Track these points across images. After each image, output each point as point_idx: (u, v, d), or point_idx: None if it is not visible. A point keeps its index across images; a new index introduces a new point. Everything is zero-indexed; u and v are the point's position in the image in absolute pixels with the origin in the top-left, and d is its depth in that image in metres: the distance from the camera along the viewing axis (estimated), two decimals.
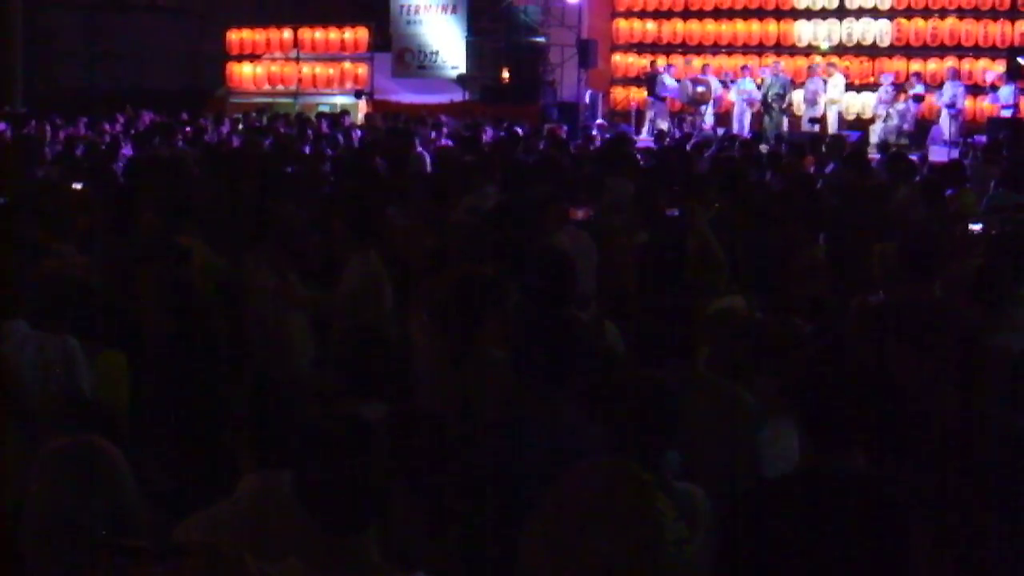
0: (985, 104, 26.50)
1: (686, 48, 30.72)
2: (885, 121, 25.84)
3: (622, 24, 31.50)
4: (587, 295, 7.67)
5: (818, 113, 26.60)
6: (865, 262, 8.67)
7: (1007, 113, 24.64)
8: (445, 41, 31.25)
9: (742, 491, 4.21)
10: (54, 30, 33.04)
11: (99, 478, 3.34)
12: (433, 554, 4.37)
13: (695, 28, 30.76)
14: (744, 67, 28.74)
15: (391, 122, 24.13)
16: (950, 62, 27.42)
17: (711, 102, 27.83)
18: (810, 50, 29.42)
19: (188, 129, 21.02)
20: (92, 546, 3.22)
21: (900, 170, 13.61)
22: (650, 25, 31.26)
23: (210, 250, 8.35)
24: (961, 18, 28.17)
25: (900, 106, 25.81)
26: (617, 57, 31.45)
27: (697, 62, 29.76)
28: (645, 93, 28.99)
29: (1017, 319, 6.75)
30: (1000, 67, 26.44)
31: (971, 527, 2.82)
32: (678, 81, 28.38)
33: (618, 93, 31.15)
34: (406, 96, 31.38)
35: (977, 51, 27.96)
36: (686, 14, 30.92)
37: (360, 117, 29.29)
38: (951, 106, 25.00)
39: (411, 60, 31.79)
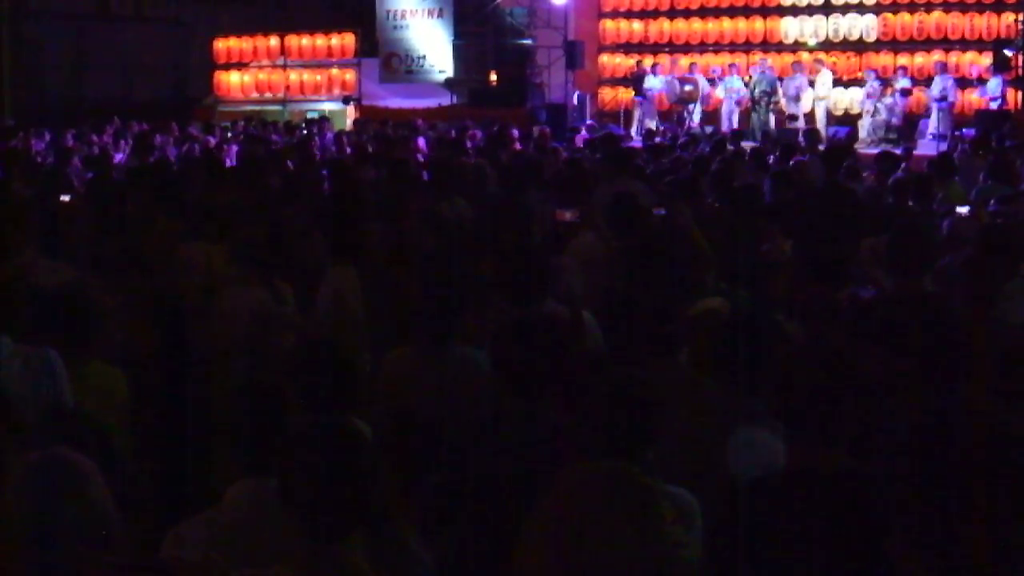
0: (973, 97, 26.52)
1: (673, 47, 30.73)
2: (873, 116, 25.87)
3: (608, 25, 31.50)
4: (574, 293, 7.66)
5: (802, 109, 26.61)
6: (841, 258, 8.69)
7: (995, 105, 24.68)
8: (432, 45, 31.24)
9: (727, 491, 4.19)
10: (41, 41, 32.96)
11: (69, 491, 3.33)
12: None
13: (682, 27, 30.76)
14: (731, 65, 28.78)
15: (380, 128, 24.08)
16: (937, 56, 27.43)
17: (699, 100, 27.86)
18: (797, 47, 29.43)
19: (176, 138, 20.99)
20: (68, 560, 3.22)
21: (886, 168, 13.63)
22: (636, 25, 31.26)
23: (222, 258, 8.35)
24: (947, 11, 28.20)
25: (887, 100, 25.85)
26: (604, 58, 31.44)
27: (684, 61, 29.80)
28: (632, 93, 29.01)
29: (1008, 313, 6.76)
30: (987, 60, 26.48)
31: (955, 526, 2.81)
32: (665, 80, 28.40)
33: (606, 94, 31.14)
34: (394, 101, 31.35)
35: (964, 44, 27.98)
36: (672, 13, 30.92)
37: (348, 123, 29.27)
38: (942, 99, 25.03)
39: (398, 65, 31.77)
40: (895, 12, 28.67)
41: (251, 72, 33.86)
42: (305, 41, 33.20)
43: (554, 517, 4.25)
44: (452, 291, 6.28)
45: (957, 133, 23.25)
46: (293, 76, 33.17)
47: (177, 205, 9.50)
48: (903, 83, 26.20)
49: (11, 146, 18.82)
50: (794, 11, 29.67)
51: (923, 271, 6.93)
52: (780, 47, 29.63)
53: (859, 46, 28.91)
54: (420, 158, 17.31)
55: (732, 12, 30.34)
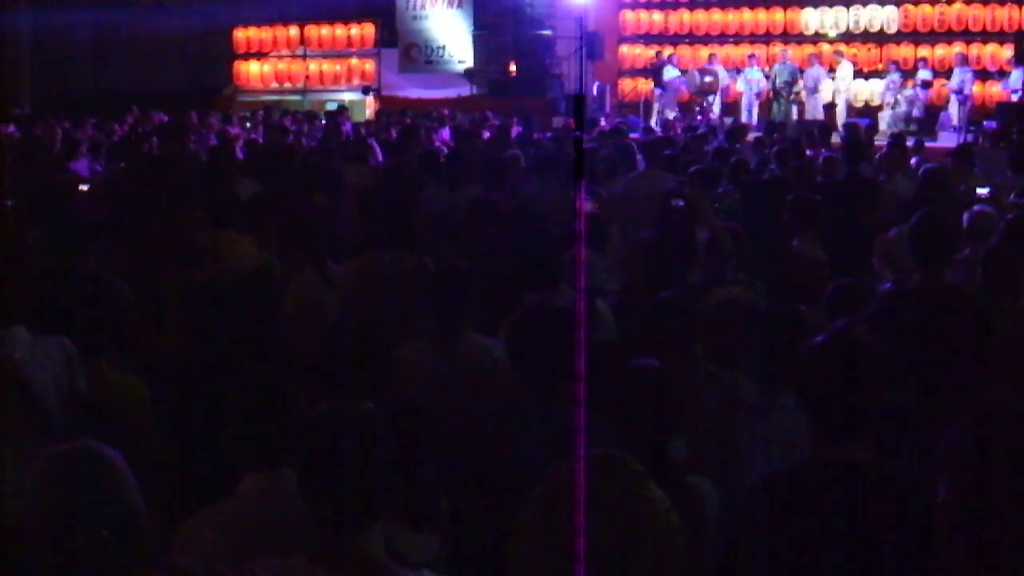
0: (995, 89, 26.39)
1: (693, 38, 30.70)
2: (893, 108, 25.76)
3: (629, 15, 31.48)
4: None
5: (820, 101, 26.54)
6: (861, 250, 8.67)
7: (1016, 98, 24.53)
8: (451, 35, 31.22)
9: (749, 483, 4.16)
10: (61, 30, 33.00)
11: (98, 483, 3.30)
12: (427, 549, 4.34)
13: (702, 18, 30.73)
14: (751, 56, 28.70)
15: (397, 117, 24.07)
16: (958, 48, 27.32)
17: (719, 91, 27.80)
18: (817, 38, 29.36)
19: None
20: (96, 553, 3.20)
21: (895, 158, 13.62)
22: (656, 16, 31.24)
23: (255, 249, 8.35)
24: (968, 3, 28.06)
25: (908, 92, 25.73)
26: (624, 48, 31.41)
27: (704, 52, 29.76)
28: (652, 84, 28.96)
29: None
30: (1008, 52, 26.35)
31: (986, 523, 2.77)
32: (684, 71, 28.35)
33: (626, 84, 31.09)
34: (413, 91, 31.34)
35: (985, 36, 27.85)
36: (692, 4, 30.91)
37: (368, 113, 29.26)
38: (959, 92, 24.94)
39: (418, 55, 31.77)
40: (916, 3, 28.55)
41: (271, 62, 33.91)
42: (325, 31, 33.22)
43: (545, 506, 4.23)
44: (463, 281, 6.25)
45: (977, 126, 23.14)
46: (313, 66, 33.21)
47: (204, 195, 9.49)
48: (924, 75, 26.09)
49: (33, 133, 18.79)
50: (815, 2, 29.58)
51: (946, 263, 6.87)
52: (800, 38, 29.55)
53: (880, 37, 28.81)
54: (445, 149, 17.26)
55: (752, 3, 30.28)
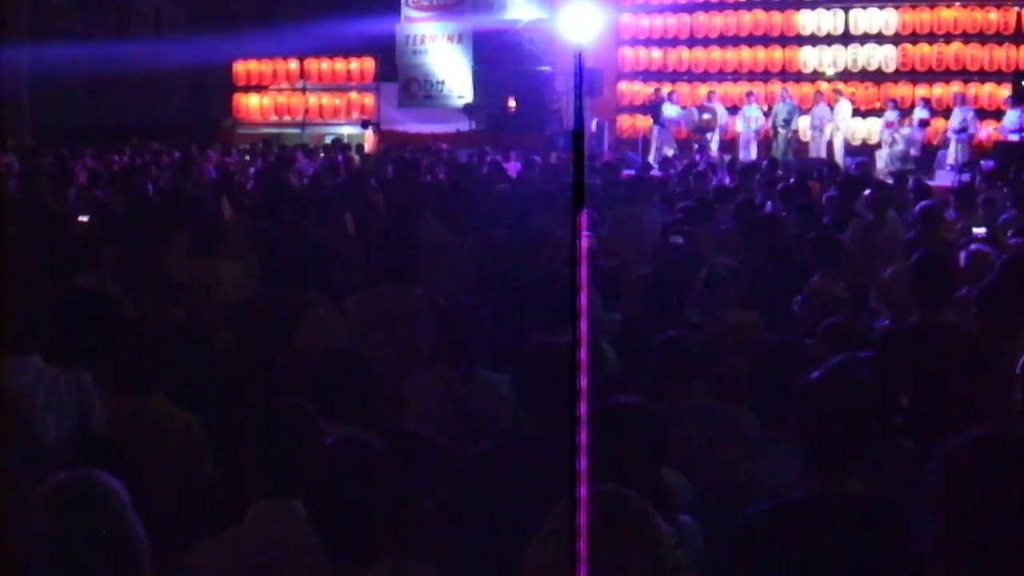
0: (992, 128, 26.47)
1: (692, 76, 30.76)
2: (891, 147, 25.84)
3: (628, 52, 31.55)
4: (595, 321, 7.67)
5: (824, 139, 26.65)
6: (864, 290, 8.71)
7: (1014, 137, 24.55)
8: (451, 70, 31.35)
9: (745, 516, 4.19)
10: (60, 62, 33.09)
11: (98, 513, 3.33)
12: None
13: (700, 56, 30.79)
14: (749, 93, 28.78)
15: (397, 152, 24.15)
16: (956, 87, 27.41)
17: (717, 129, 27.89)
18: (816, 76, 29.43)
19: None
20: None
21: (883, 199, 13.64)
22: (656, 53, 31.30)
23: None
24: (966, 43, 28.14)
25: (906, 131, 25.81)
26: (623, 85, 31.48)
27: (703, 89, 29.84)
28: (651, 120, 29.04)
29: None
30: (1005, 91, 26.44)
31: (993, 559, 2.80)
32: (683, 108, 28.43)
33: (624, 121, 31.16)
34: (412, 126, 31.46)
35: (983, 75, 27.91)
36: (691, 42, 30.94)
37: (367, 147, 29.34)
38: (961, 131, 24.98)
39: (417, 90, 31.90)
40: (914, 43, 28.61)
41: (270, 95, 34.01)
42: (324, 65, 33.37)
43: (554, 541, 4.24)
44: (472, 316, 6.30)
45: (973, 165, 23.17)
46: (312, 99, 33.32)
47: (202, 226, 9.53)
48: (921, 113, 26.17)
49: (40, 165, 18.83)
50: (813, 41, 29.65)
51: (946, 301, 6.91)
52: (799, 76, 29.61)
53: (878, 76, 28.88)
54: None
55: (751, 41, 30.33)
